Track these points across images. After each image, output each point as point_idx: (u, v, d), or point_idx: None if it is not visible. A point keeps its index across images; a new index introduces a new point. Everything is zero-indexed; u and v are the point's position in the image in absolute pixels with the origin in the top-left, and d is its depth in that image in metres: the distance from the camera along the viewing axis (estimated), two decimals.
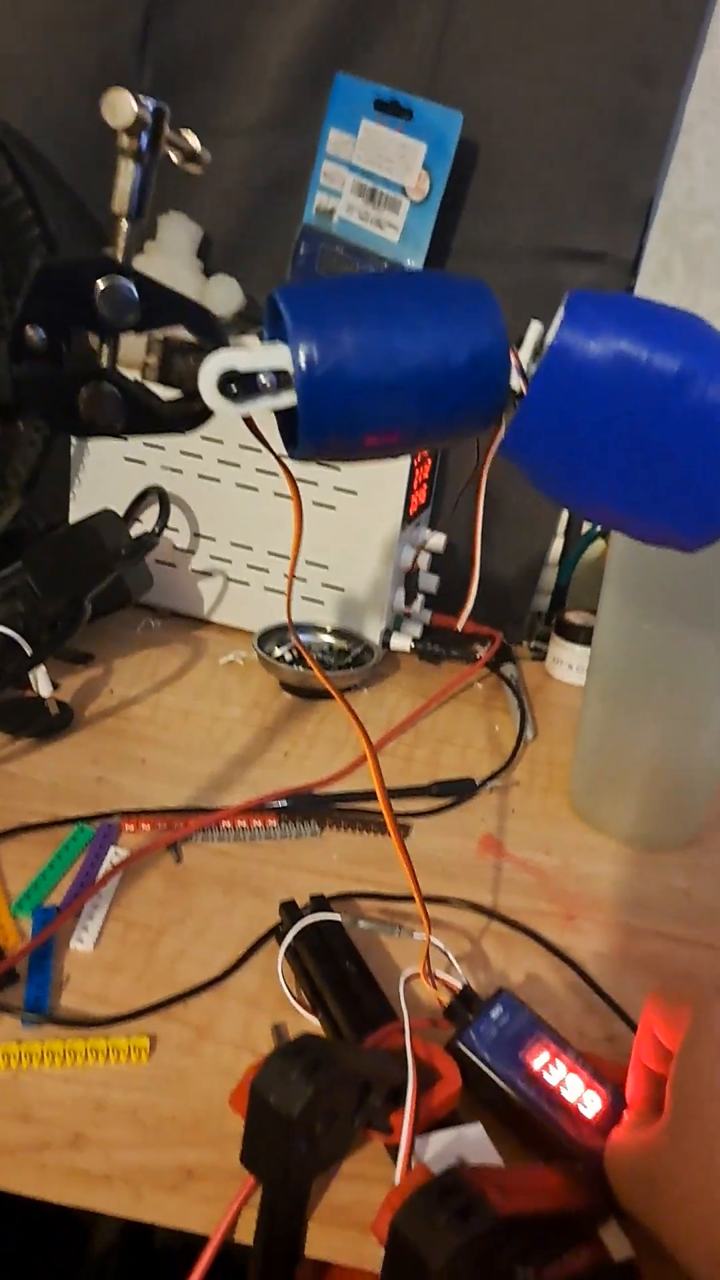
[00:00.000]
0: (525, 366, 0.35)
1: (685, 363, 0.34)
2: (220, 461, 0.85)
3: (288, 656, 0.84)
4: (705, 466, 0.36)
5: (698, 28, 0.83)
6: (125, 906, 0.57)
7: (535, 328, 0.36)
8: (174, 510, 0.86)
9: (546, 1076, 0.45)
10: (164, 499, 0.83)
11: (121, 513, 0.83)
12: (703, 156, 0.88)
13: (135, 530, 0.84)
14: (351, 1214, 0.42)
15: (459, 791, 0.72)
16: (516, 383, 0.35)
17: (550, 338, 0.35)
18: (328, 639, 0.88)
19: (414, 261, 0.85)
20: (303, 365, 0.34)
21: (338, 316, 0.34)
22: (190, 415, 0.37)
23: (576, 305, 0.35)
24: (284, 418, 0.37)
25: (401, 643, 0.88)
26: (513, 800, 0.73)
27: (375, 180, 0.85)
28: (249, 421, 0.37)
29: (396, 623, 0.90)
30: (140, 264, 0.89)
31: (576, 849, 0.69)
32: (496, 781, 0.74)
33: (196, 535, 0.88)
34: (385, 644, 0.88)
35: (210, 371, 0.34)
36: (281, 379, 0.35)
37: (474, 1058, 0.44)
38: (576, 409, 0.35)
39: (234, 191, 0.91)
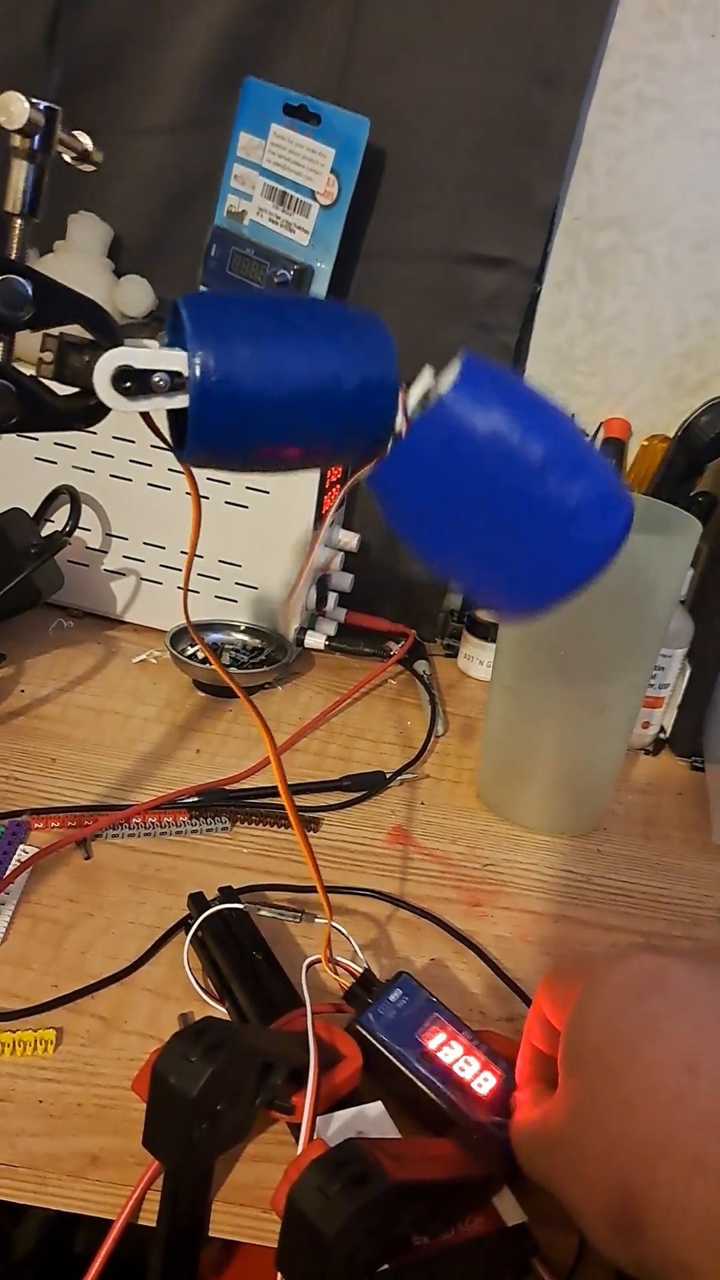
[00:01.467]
0: (410, 410, 0.37)
1: (548, 454, 0.37)
2: (132, 461, 0.85)
3: (200, 655, 0.85)
4: (541, 550, 0.39)
5: (598, 38, 0.86)
6: (34, 903, 0.57)
7: (427, 376, 0.38)
8: (86, 510, 0.86)
9: (442, 1056, 0.46)
10: (75, 498, 0.83)
11: (32, 512, 0.83)
12: (604, 166, 0.91)
13: (46, 530, 0.84)
14: (255, 1194, 0.43)
15: (370, 785, 0.73)
16: (400, 422, 0.37)
17: (440, 388, 0.37)
18: (241, 637, 0.88)
19: (323, 264, 0.86)
20: (197, 371, 0.35)
21: (237, 329, 0.36)
22: (86, 411, 0.37)
23: (469, 372, 0.37)
24: (176, 421, 0.38)
25: (316, 640, 0.90)
26: (422, 793, 0.75)
27: (285, 184, 0.87)
28: (145, 416, 0.38)
29: (311, 621, 0.91)
30: (50, 264, 0.88)
31: (483, 837, 0.70)
32: (407, 774, 0.76)
33: (109, 535, 0.88)
34: (299, 642, 0.89)
35: (106, 366, 0.35)
36: (175, 381, 0.36)
37: (371, 1039, 0.46)
38: (443, 465, 0.37)
39: (145, 192, 0.92)
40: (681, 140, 0.89)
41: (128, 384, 0.35)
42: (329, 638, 0.90)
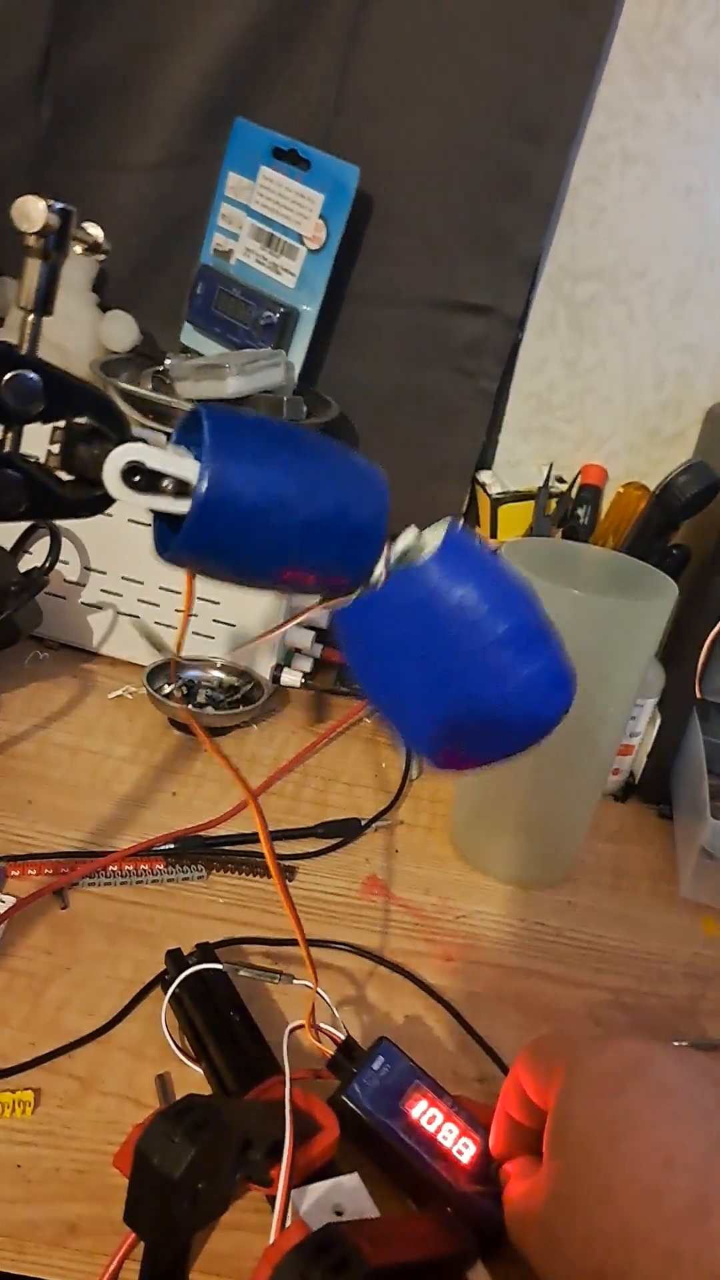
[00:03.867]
0: (391, 562, 0.40)
1: (508, 631, 0.39)
2: (130, 518, 0.85)
3: (176, 694, 0.85)
4: (485, 714, 0.41)
5: (584, 94, 0.88)
6: (10, 955, 0.58)
7: (411, 533, 0.40)
8: (65, 543, 0.86)
9: (425, 1125, 0.47)
10: (54, 533, 0.83)
11: (9, 546, 0.83)
12: (586, 219, 0.92)
13: (24, 563, 0.83)
14: (232, 1263, 0.44)
15: (345, 832, 0.74)
16: (379, 572, 0.40)
17: (423, 547, 0.40)
18: (218, 674, 0.89)
19: (309, 308, 0.87)
20: (205, 487, 0.36)
21: (251, 453, 0.37)
22: (92, 500, 0.38)
23: (452, 543, 0.39)
24: (162, 518, 0.39)
25: (292, 678, 0.90)
26: (397, 839, 0.76)
27: (273, 226, 0.87)
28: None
29: (287, 658, 0.92)
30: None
31: (456, 888, 0.71)
32: (382, 821, 0.77)
33: (87, 569, 0.88)
34: (276, 680, 0.90)
35: (117, 460, 0.36)
36: (182, 487, 0.36)
37: (359, 1111, 0.46)
38: (411, 620, 0.40)
39: (132, 228, 0.92)
40: (662, 196, 0.91)
41: (137, 479, 0.36)
42: (305, 675, 0.91)
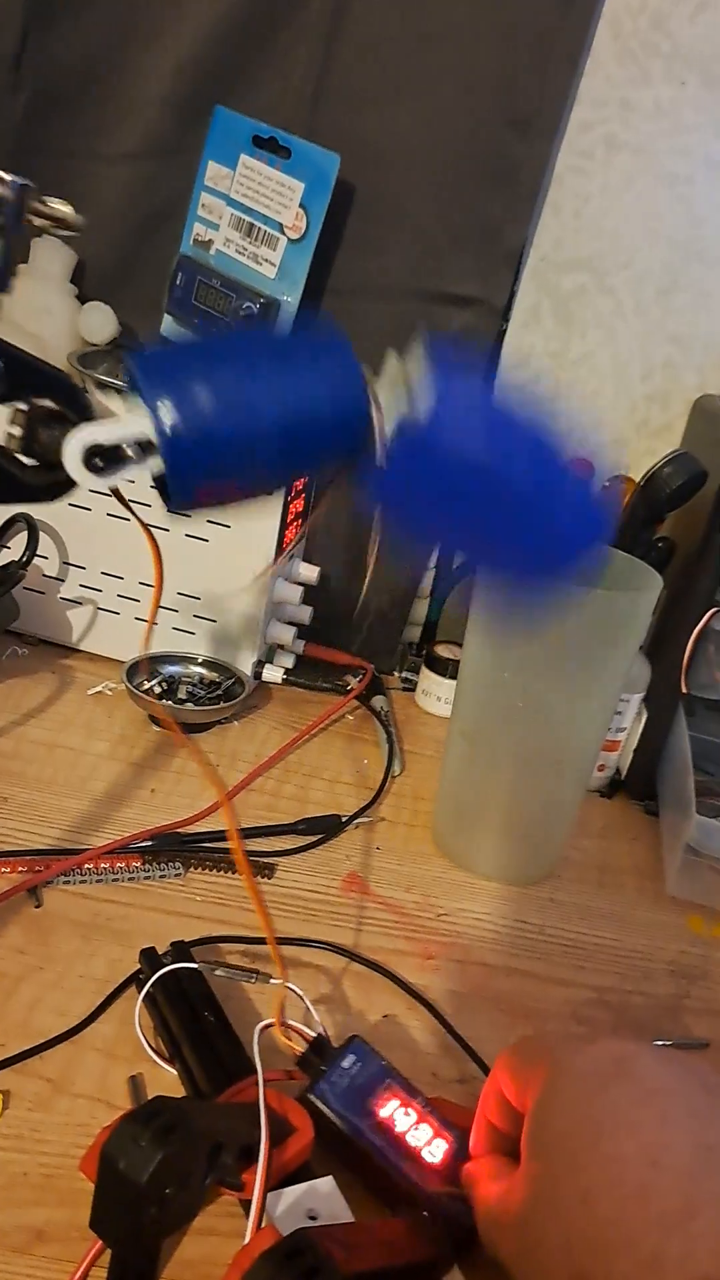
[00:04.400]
0: (384, 431, 0.37)
1: (528, 469, 0.37)
2: (91, 490, 0.84)
3: (156, 689, 0.84)
4: (538, 531, 0.39)
5: (569, 83, 0.86)
6: None
7: (393, 373, 0.37)
8: (43, 538, 0.84)
9: (395, 1125, 0.46)
10: (32, 527, 0.82)
11: None
12: (571, 209, 0.91)
13: (1, 558, 0.82)
14: (202, 1270, 0.43)
15: (325, 829, 0.73)
16: (379, 438, 0.37)
17: (414, 387, 0.37)
18: (199, 670, 0.87)
19: (290, 298, 0.86)
20: (167, 429, 0.34)
21: (192, 377, 0.35)
22: (55, 485, 0.37)
23: (441, 389, 0.37)
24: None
25: (274, 674, 0.89)
26: (378, 836, 0.75)
27: (253, 215, 0.86)
28: (116, 492, 0.38)
29: (269, 654, 0.91)
30: (13, 289, 0.87)
31: (438, 885, 0.70)
32: (363, 818, 0.76)
33: (66, 564, 0.87)
34: (257, 675, 0.89)
35: (74, 448, 0.35)
36: (145, 447, 0.35)
37: (325, 1110, 0.45)
38: (427, 478, 0.38)
39: (110, 218, 0.91)
40: (649, 184, 0.90)
41: (98, 460, 0.35)
42: (287, 671, 0.90)
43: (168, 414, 0.34)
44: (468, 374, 0.39)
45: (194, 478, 0.36)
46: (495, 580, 0.43)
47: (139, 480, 0.36)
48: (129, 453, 0.35)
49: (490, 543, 0.41)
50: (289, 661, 0.92)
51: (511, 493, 0.37)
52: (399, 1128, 0.46)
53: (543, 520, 0.39)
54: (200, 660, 0.88)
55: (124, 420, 0.35)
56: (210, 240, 0.89)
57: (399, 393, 0.37)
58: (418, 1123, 0.46)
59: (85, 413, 0.36)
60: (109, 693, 0.86)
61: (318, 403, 0.36)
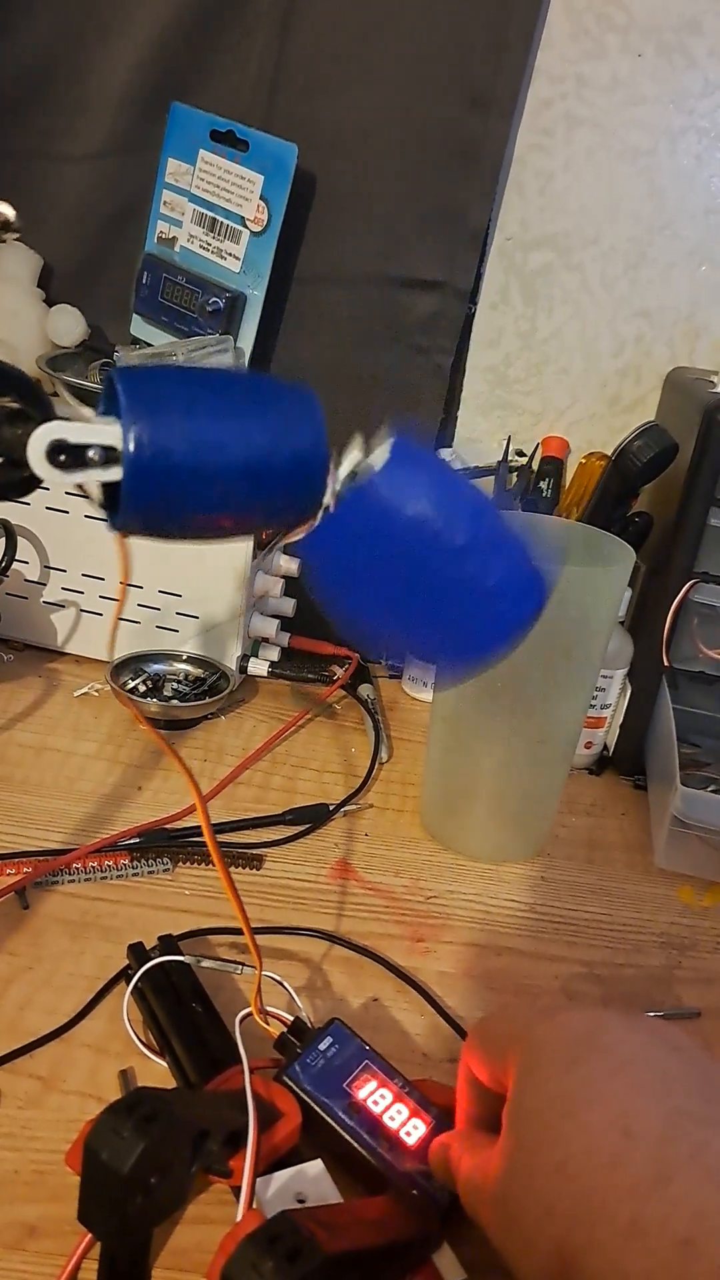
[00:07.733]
0: (339, 484, 0.38)
1: (469, 539, 0.38)
2: (69, 493, 0.84)
3: (141, 688, 0.84)
4: (461, 623, 0.41)
5: (525, 58, 0.86)
6: None
7: (356, 452, 0.39)
8: (22, 542, 0.85)
9: (371, 1106, 0.46)
10: (10, 532, 0.82)
11: None
12: (535, 187, 0.91)
13: None
14: (195, 1258, 0.43)
15: (313, 818, 0.73)
16: (329, 497, 0.38)
17: (371, 462, 0.38)
18: (184, 667, 0.88)
19: (256, 291, 0.86)
20: (131, 446, 0.35)
21: (171, 404, 0.36)
22: (17, 482, 0.37)
23: (398, 458, 0.38)
24: (108, 490, 0.38)
25: (259, 667, 0.89)
26: (366, 823, 0.75)
27: (215, 210, 0.86)
28: (80, 488, 0.38)
29: (254, 648, 0.91)
30: None
31: (426, 868, 0.71)
32: (351, 805, 0.76)
33: (47, 567, 0.87)
34: (243, 669, 0.89)
35: (39, 442, 0.35)
36: (109, 455, 0.35)
37: (298, 1091, 0.46)
38: (369, 540, 0.39)
39: (74, 220, 0.91)
40: (610, 159, 0.90)
41: (62, 457, 0.35)
42: (272, 664, 0.90)
43: (140, 431, 0.35)
44: (428, 451, 0.41)
45: (147, 498, 0.36)
46: (421, 655, 0.44)
47: (92, 492, 0.37)
48: (93, 456, 0.35)
49: (422, 615, 0.41)
50: (274, 654, 0.92)
51: (451, 556, 0.39)
52: (376, 1109, 0.46)
53: (479, 593, 0.40)
54: (185, 657, 0.88)
55: (94, 424, 0.36)
56: (174, 237, 0.89)
57: (356, 455, 0.39)
58: (395, 1103, 0.47)
59: (47, 411, 0.36)
60: (95, 694, 0.86)
61: (279, 453, 0.37)
